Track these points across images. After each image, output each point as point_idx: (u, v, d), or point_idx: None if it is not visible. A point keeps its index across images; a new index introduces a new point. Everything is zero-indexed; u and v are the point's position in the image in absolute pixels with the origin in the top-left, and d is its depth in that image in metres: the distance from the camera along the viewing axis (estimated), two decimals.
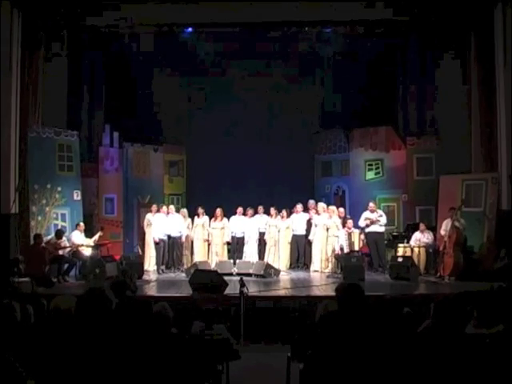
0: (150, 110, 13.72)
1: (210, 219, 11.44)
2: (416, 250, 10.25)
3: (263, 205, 11.73)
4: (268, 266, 10.17)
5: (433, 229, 10.67)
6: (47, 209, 10.76)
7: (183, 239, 11.33)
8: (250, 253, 11.38)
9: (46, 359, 3.05)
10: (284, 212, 11.33)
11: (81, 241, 10.33)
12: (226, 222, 11.45)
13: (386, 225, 10.93)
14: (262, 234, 11.51)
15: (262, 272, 9.93)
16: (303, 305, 7.64)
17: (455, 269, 9.34)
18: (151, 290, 8.92)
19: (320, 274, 10.53)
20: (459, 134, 10.94)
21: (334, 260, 10.48)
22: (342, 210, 11.34)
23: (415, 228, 10.79)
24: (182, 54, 12.90)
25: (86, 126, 12.55)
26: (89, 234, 10.69)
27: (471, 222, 9.96)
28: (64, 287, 9.11)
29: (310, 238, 11.04)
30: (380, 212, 10.91)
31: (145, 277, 10.15)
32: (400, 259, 9.88)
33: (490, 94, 10.21)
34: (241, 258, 11.20)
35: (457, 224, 9.57)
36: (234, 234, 11.45)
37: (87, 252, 10.20)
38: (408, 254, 10.18)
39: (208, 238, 11.42)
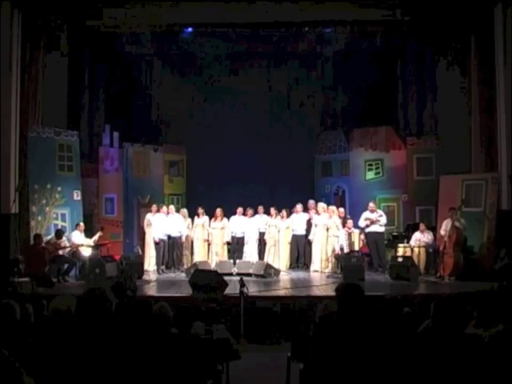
0: (150, 110, 13.75)
1: (210, 219, 11.44)
2: (416, 249, 10.25)
3: (263, 205, 11.73)
4: (268, 266, 10.17)
5: (433, 229, 10.67)
6: (47, 209, 10.76)
7: (183, 239, 11.33)
8: (250, 253, 11.38)
9: (45, 359, 3.05)
10: (284, 212, 11.32)
11: (81, 241, 10.33)
12: (226, 221, 11.45)
13: (386, 225, 10.93)
14: (262, 234, 11.51)
15: (262, 272, 9.93)
16: (303, 305, 7.64)
17: (455, 269, 9.35)
18: (151, 290, 8.91)
19: (320, 274, 10.53)
20: (459, 133, 10.93)
21: (333, 260, 10.48)
22: (342, 209, 11.34)
23: (415, 228, 10.79)
24: (182, 54, 12.93)
25: (86, 126, 12.55)
26: (89, 233, 10.69)
27: (471, 222, 9.96)
28: (64, 287, 9.11)
29: (310, 237, 11.04)
30: (380, 212, 10.91)
31: (145, 277, 10.15)
32: (400, 259, 9.88)
33: (490, 94, 10.21)
34: (241, 257, 11.20)
35: (457, 224, 9.57)
36: (234, 234, 11.46)
37: (87, 252, 10.20)
38: (408, 253, 10.18)
39: (208, 237, 11.42)
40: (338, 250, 10.31)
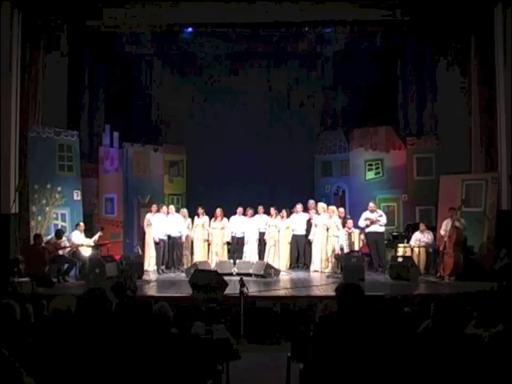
0: (150, 110, 13.75)
1: (210, 219, 11.44)
2: (416, 249, 10.25)
3: (263, 205, 11.72)
4: (268, 266, 10.17)
5: (433, 229, 10.67)
6: (47, 209, 10.76)
7: (183, 239, 11.33)
8: (250, 253, 11.38)
9: (45, 359, 3.05)
10: (284, 212, 11.32)
11: (81, 241, 10.33)
12: (226, 222, 11.45)
13: (386, 225, 10.93)
14: (262, 234, 11.51)
15: (262, 272, 9.93)
16: (303, 305, 7.64)
17: (455, 269, 9.34)
18: (151, 290, 8.91)
19: (320, 274, 10.53)
20: (459, 133, 10.93)
21: (333, 260, 10.48)
22: (342, 209, 11.33)
23: (415, 228, 10.79)
24: (182, 54, 12.94)
25: (86, 126, 12.55)
26: (89, 233, 10.69)
27: (471, 221, 9.96)
28: (64, 287, 9.11)
29: (310, 237, 11.04)
30: (380, 212, 10.91)
31: (145, 277, 10.15)
32: (400, 259, 9.88)
33: (490, 94, 10.21)
34: (241, 258, 11.20)
35: (457, 224, 9.57)
36: (234, 234, 11.46)
37: (87, 252, 10.20)
38: (408, 253, 10.18)
39: (208, 237, 11.42)
40: (338, 250, 10.31)
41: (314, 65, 13.44)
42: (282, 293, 8.50)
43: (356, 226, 10.74)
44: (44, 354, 3.07)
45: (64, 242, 10.09)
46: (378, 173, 12.53)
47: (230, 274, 9.80)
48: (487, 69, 10.24)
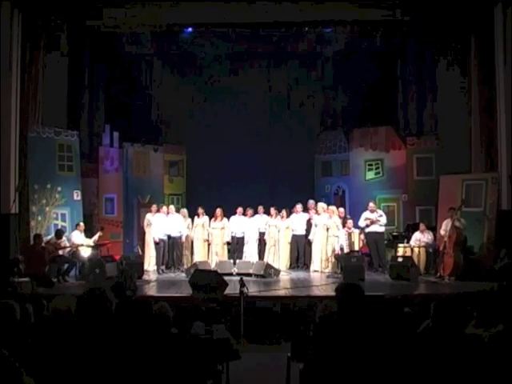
0: (150, 110, 13.76)
1: (210, 219, 11.44)
2: (416, 249, 10.25)
3: (263, 205, 11.72)
4: (268, 266, 10.17)
5: (433, 229, 10.66)
6: (47, 209, 10.76)
7: (183, 239, 11.33)
8: (250, 253, 11.38)
9: (45, 359, 3.05)
10: (284, 212, 11.32)
11: (81, 241, 10.33)
12: (226, 222, 11.45)
13: (386, 225, 10.93)
14: (261, 234, 11.51)
15: (262, 272, 9.93)
16: (303, 305, 7.64)
17: (455, 269, 9.34)
18: (151, 290, 8.91)
19: (320, 274, 10.53)
20: (459, 133, 10.93)
21: (334, 260, 10.48)
22: (342, 209, 11.34)
23: (415, 228, 10.79)
24: (182, 54, 12.94)
25: (86, 126, 12.55)
26: (89, 233, 10.69)
27: (471, 221, 9.95)
28: (64, 287, 9.11)
29: (310, 237, 11.04)
30: (380, 212, 10.91)
31: (145, 277, 10.15)
32: (400, 259, 9.88)
33: (490, 94, 10.21)
34: (241, 258, 11.20)
35: (457, 224, 9.56)
36: (234, 234, 11.46)
37: (87, 252, 10.20)
38: (408, 253, 10.18)
39: (208, 237, 11.42)
40: (338, 250, 10.31)
41: (314, 65, 13.44)
42: (281, 293, 8.50)
43: (356, 225, 10.74)
44: (44, 354, 3.07)
45: (64, 242, 10.09)
46: (378, 173, 12.54)
47: (230, 274, 9.79)
48: (487, 69, 10.24)
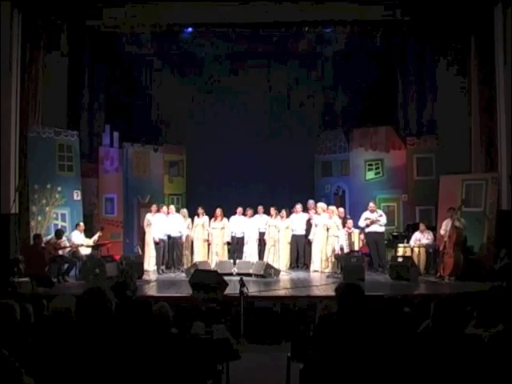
0: (150, 110, 13.75)
1: (210, 219, 11.44)
2: (416, 249, 10.25)
3: (263, 205, 11.73)
4: (268, 266, 10.17)
5: (433, 229, 10.67)
6: (47, 209, 10.76)
7: (183, 239, 11.33)
8: (250, 253, 11.38)
9: (45, 359, 3.05)
10: (284, 212, 11.32)
11: (81, 241, 10.33)
12: (225, 222, 11.45)
13: (386, 225, 10.93)
14: (261, 234, 11.51)
15: (262, 272, 9.93)
16: (303, 305, 7.63)
17: (455, 269, 9.34)
18: (151, 290, 8.91)
19: (320, 274, 10.53)
20: (459, 133, 10.93)
21: (334, 260, 10.48)
22: (341, 209, 11.33)
23: (415, 228, 10.79)
24: (182, 54, 12.93)
25: (86, 126, 12.55)
26: (89, 233, 10.70)
27: (471, 221, 9.96)
28: (64, 287, 9.11)
29: (310, 237, 11.04)
30: (380, 212, 10.91)
31: (145, 277, 10.15)
32: (400, 259, 9.87)
33: (490, 94, 10.21)
34: (241, 258, 11.20)
35: (457, 224, 9.56)
36: (233, 234, 11.47)
37: (86, 252, 10.20)
38: (408, 253, 10.18)
39: (208, 237, 11.42)
40: (338, 250, 10.31)
41: (314, 65, 13.43)
42: (281, 293, 8.50)
43: (356, 225, 10.74)
44: (44, 354, 3.07)
45: (64, 242, 10.10)
46: (378, 173, 12.54)
47: (230, 274, 9.80)
48: (487, 69, 10.24)
